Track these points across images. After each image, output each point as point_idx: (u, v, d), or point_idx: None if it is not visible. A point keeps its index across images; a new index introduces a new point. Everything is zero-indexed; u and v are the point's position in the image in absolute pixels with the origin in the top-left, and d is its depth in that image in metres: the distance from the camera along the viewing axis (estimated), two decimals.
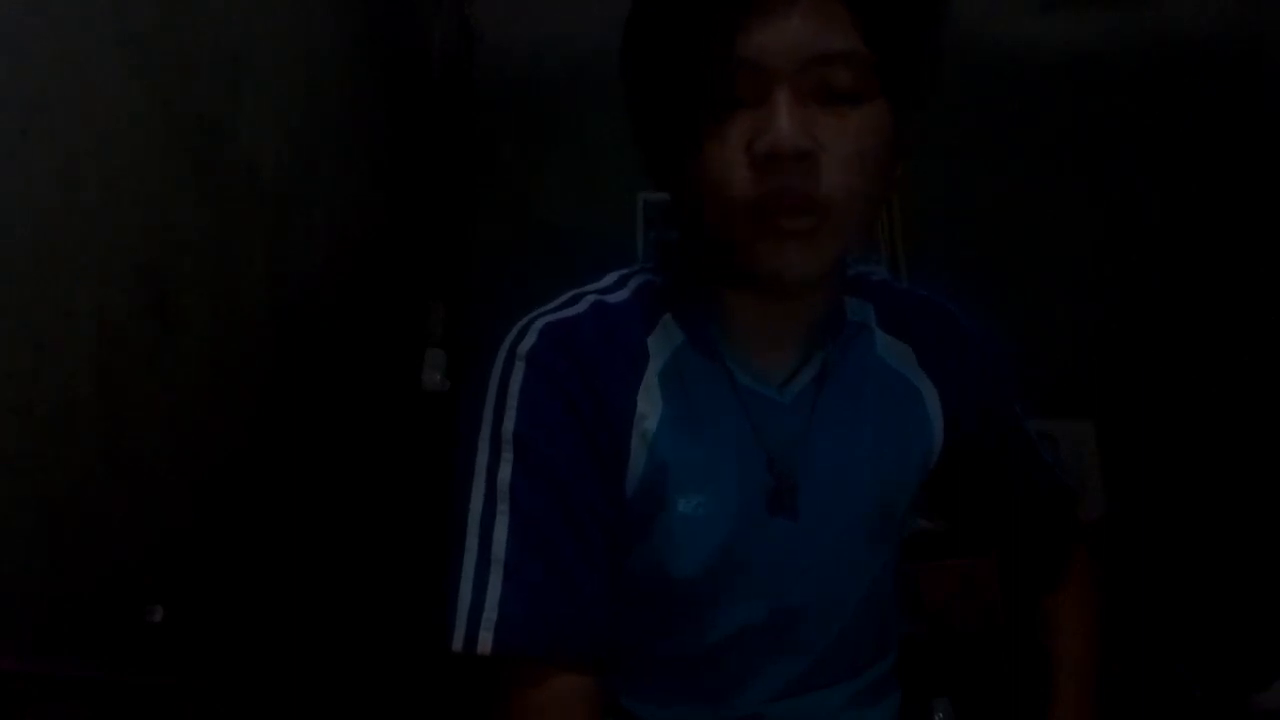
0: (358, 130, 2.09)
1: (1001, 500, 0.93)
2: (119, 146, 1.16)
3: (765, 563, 0.77)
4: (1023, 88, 2.57)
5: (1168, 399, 2.42)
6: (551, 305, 0.77)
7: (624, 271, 0.82)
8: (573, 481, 0.70)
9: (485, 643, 0.65)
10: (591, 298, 0.78)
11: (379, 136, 2.24)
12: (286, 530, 1.63)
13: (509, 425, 0.70)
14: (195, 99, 1.36)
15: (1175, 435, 2.39)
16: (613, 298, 0.78)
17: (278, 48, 1.65)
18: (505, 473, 0.69)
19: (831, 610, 0.80)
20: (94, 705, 1.05)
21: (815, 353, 0.78)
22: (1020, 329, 2.29)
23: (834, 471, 0.78)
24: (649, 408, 0.74)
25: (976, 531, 1.01)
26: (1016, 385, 0.90)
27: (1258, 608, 2.05)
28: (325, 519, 1.80)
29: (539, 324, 0.75)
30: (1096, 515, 2.29)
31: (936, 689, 1.18)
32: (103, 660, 1.09)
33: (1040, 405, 2.29)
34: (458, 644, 0.65)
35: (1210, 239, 2.51)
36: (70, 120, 1.07)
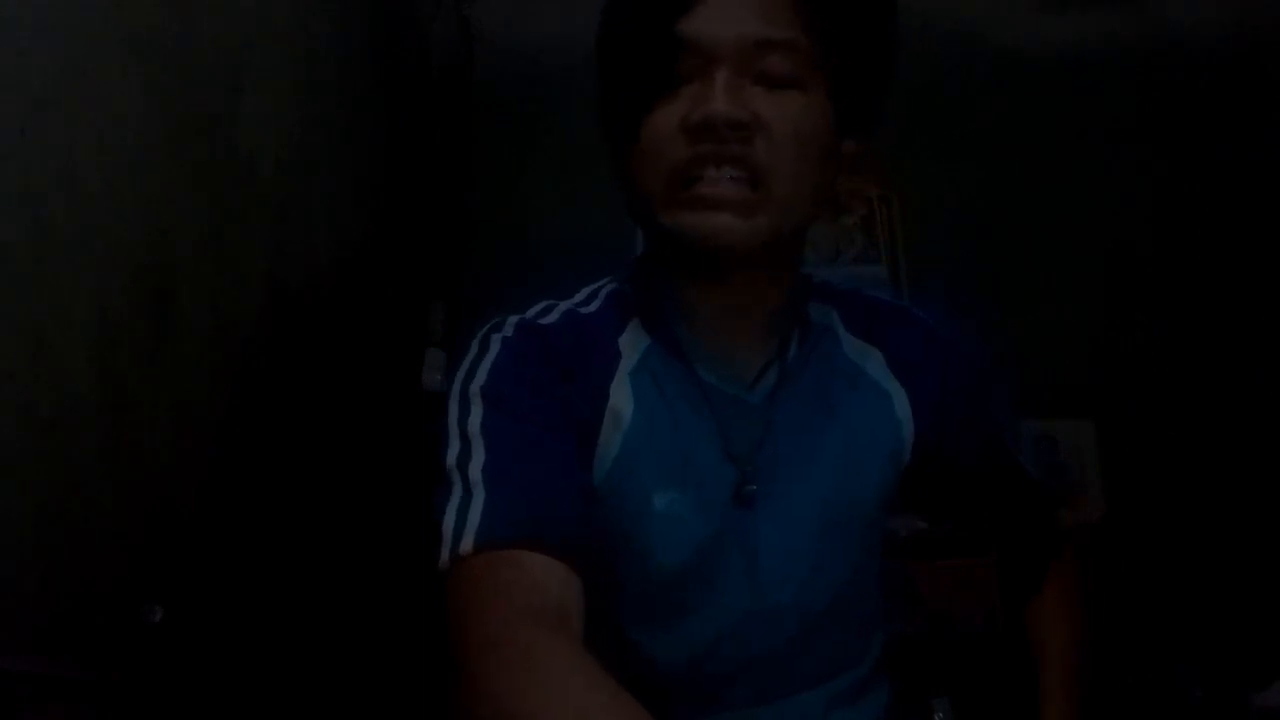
0: (358, 130, 2.09)
1: (979, 505, 0.94)
2: (119, 146, 1.16)
3: (738, 560, 0.77)
4: (1023, 88, 2.57)
5: (1168, 399, 2.42)
6: (525, 313, 0.80)
7: (594, 286, 0.84)
8: (542, 422, 0.71)
9: (468, 542, 0.64)
10: (564, 307, 0.81)
11: (379, 136, 2.24)
12: (287, 530, 1.63)
13: (478, 384, 0.72)
14: (195, 99, 1.36)
15: (1175, 435, 2.39)
16: (584, 309, 0.81)
17: (278, 48, 1.65)
18: (475, 420, 0.71)
19: (805, 609, 0.80)
20: (94, 705, 1.05)
21: (778, 355, 0.80)
22: (1020, 329, 2.30)
23: (799, 469, 0.79)
24: (623, 402, 0.76)
25: (964, 533, 1.02)
26: (1002, 391, 0.91)
27: (1257, 608, 2.05)
28: (325, 519, 1.80)
29: (514, 319, 0.78)
30: (1097, 515, 2.29)
31: (937, 689, 1.18)
32: (103, 660, 1.09)
33: (1040, 405, 2.30)
34: (443, 562, 0.65)
35: (1210, 239, 2.51)
36: (70, 120, 1.07)
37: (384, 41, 2.29)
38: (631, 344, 0.79)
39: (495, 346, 0.75)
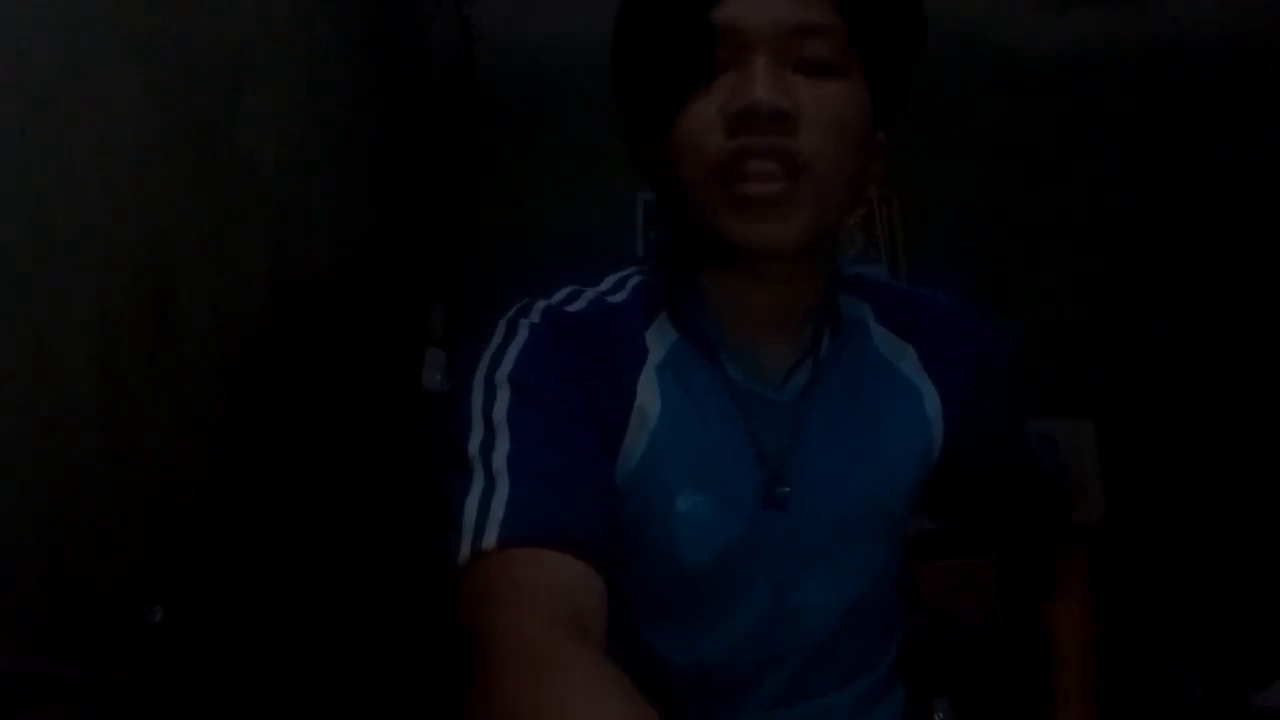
0: (358, 130, 2.09)
1: (995, 503, 0.93)
2: (119, 146, 1.16)
3: (763, 561, 0.76)
4: (1023, 88, 2.57)
5: (1168, 399, 2.42)
6: (552, 298, 0.77)
7: (621, 274, 0.81)
8: (569, 413, 0.68)
9: (490, 537, 0.61)
10: (591, 295, 0.78)
11: (379, 136, 2.24)
12: (286, 530, 1.63)
13: (504, 371, 0.69)
14: (195, 99, 1.36)
15: (1175, 436, 2.38)
16: (612, 297, 0.78)
17: (278, 48, 1.65)
18: (501, 407, 0.67)
19: (828, 611, 0.79)
20: (94, 705, 1.05)
21: (809, 351, 0.77)
22: (1020, 329, 2.30)
23: (829, 468, 0.77)
24: (649, 400, 0.74)
25: (973, 532, 1.01)
26: (1019, 387, 0.90)
27: (1257, 608, 2.05)
28: (325, 519, 1.80)
29: (541, 305, 0.75)
30: (1097, 516, 2.29)
31: (937, 689, 1.18)
32: (103, 660, 1.09)
33: (1040, 405, 2.30)
34: (464, 555, 0.61)
35: (1210, 239, 2.51)
36: (70, 120, 1.07)
37: (384, 41, 2.29)
38: (659, 339, 0.76)
39: (523, 333, 0.72)
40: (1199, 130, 2.55)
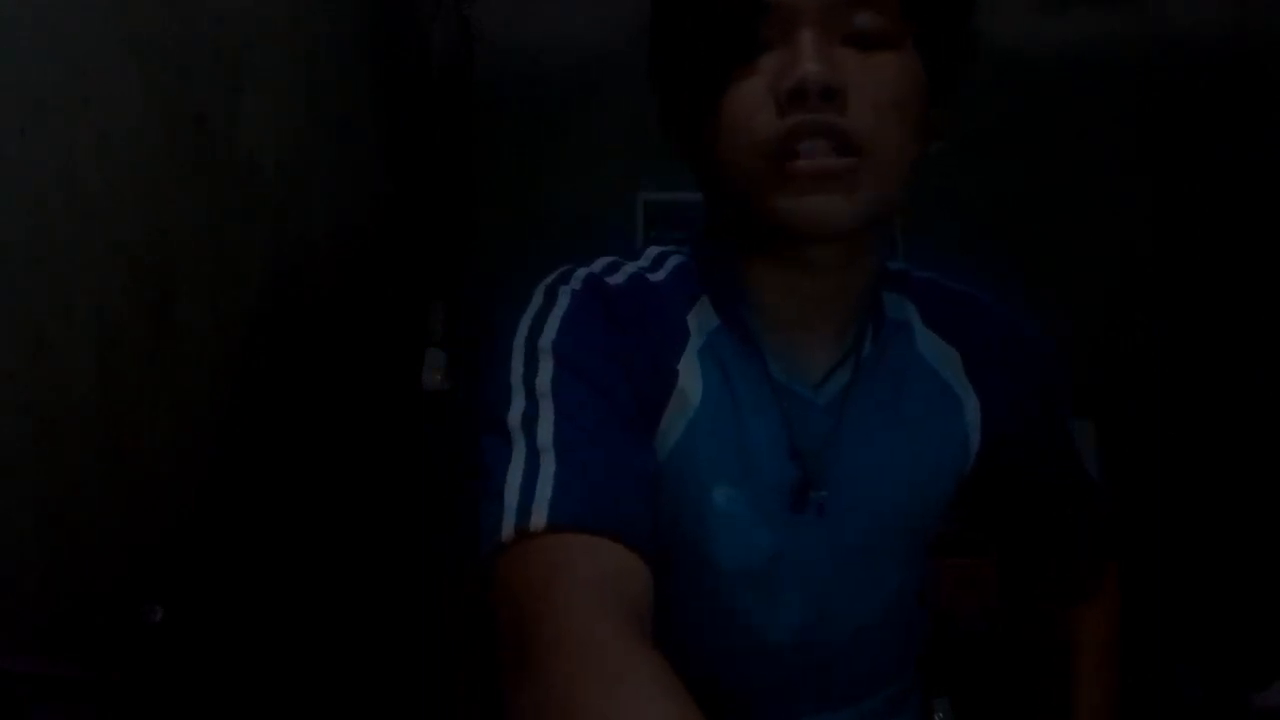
0: (358, 130, 2.09)
1: (1034, 510, 0.90)
2: (119, 146, 1.16)
3: (792, 564, 0.74)
4: (1023, 88, 2.57)
5: (1168, 399, 2.42)
6: (592, 267, 0.73)
7: (662, 250, 0.78)
8: (613, 388, 0.65)
9: (539, 517, 0.57)
10: (631, 269, 0.75)
11: (379, 137, 2.24)
12: (286, 530, 1.63)
13: (547, 339, 0.66)
14: (195, 99, 1.36)
15: (1175, 435, 2.38)
16: (652, 275, 0.75)
17: (278, 48, 1.65)
18: (545, 376, 0.64)
19: (855, 620, 0.77)
20: (94, 705, 1.04)
21: (851, 351, 0.74)
22: None
23: (864, 475, 0.74)
24: (690, 383, 0.71)
25: (1005, 538, 0.97)
26: (1067, 392, 0.86)
27: (1257, 608, 2.05)
28: (325, 518, 1.80)
29: (583, 273, 0.72)
30: None
31: (937, 689, 1.18)
32: (103, 660, 1.09)
33: None
34: (507, 532, 0.57)
35: (1210, 239, 2.51)
36: (70, 120, 1.07)
37: (384, 41, 2.29)
38: (699, 323, 0.73)
39: (564, 300, 0.68)
40: (1199, 130, 2.55)
